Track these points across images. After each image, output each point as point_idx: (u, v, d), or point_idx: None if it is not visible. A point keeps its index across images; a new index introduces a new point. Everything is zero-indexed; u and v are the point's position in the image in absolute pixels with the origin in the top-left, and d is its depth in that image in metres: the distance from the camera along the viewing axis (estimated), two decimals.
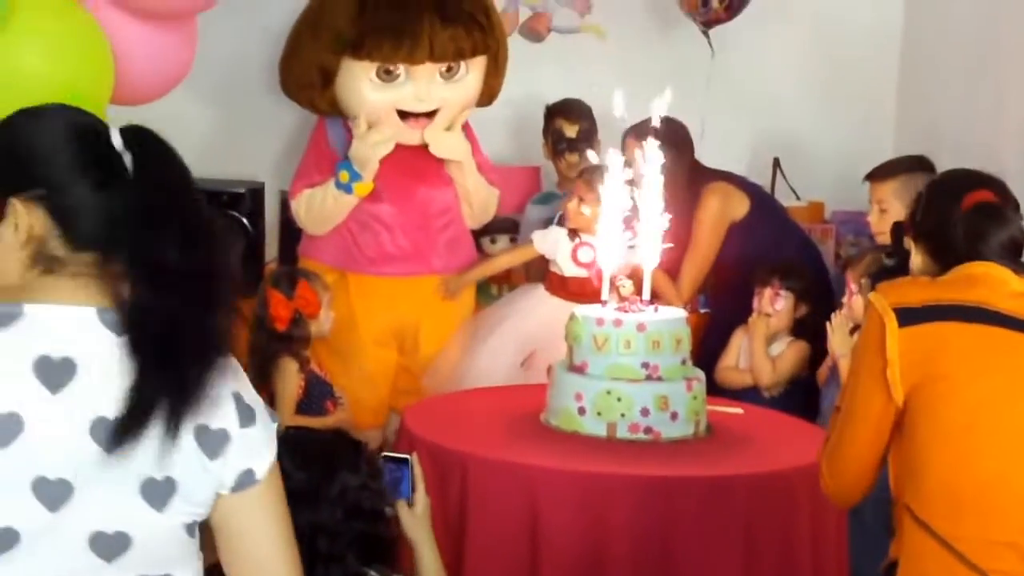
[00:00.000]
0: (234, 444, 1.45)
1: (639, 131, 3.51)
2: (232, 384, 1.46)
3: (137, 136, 1.44)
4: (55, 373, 1.37)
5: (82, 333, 1.40)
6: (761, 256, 3.92)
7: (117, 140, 1.43)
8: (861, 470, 2.08)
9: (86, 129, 1.44)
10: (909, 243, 2.17)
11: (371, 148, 3.80)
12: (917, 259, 2.14)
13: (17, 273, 1.42)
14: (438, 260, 3.91)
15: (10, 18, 2.28)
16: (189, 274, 1.40)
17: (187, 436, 1.41)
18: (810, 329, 3.77)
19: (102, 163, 1.42)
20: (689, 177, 3.95)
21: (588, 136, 4.20)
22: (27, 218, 1.41)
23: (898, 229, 2.26)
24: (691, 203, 3.94)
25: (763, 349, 3.77)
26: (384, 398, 3.93)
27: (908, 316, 2.01)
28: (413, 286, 3.89)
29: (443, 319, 3.95)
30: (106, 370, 1.39)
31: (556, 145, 4.25)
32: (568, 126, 4.26)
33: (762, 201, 4.11)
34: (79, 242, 1.41)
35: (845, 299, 3.54)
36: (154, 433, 1.38)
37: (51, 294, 1.41)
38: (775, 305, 3.77)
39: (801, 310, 3.81)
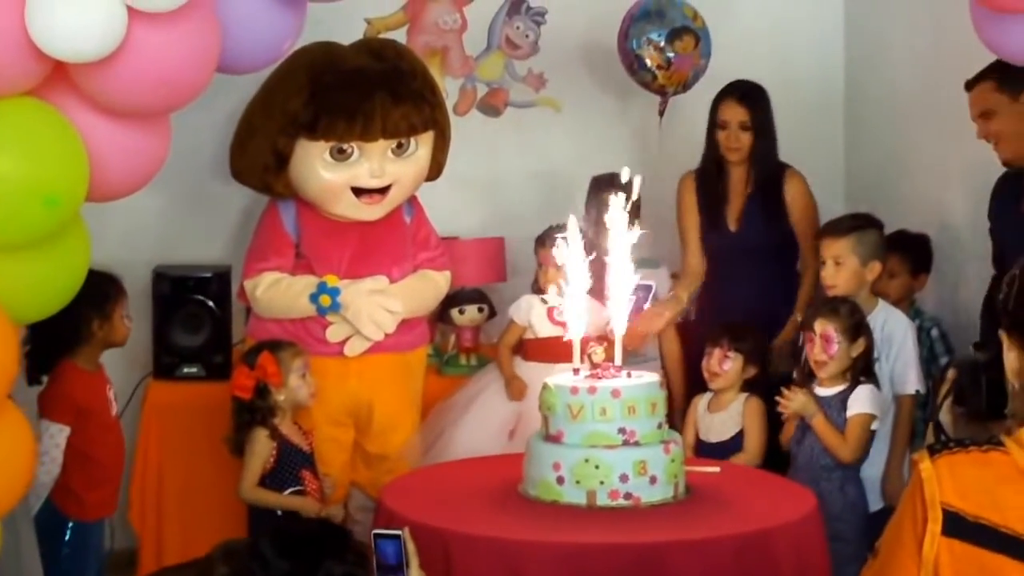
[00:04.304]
0: None
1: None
2: None
3: None
4: None
5: None
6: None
7: None
8: None
9: None
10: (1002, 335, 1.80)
11: (368, 322, 3.80)
12: (1012, 356, 1.79)
13: None
14: (390, 337, 3.89)
15: None
16: None
17: None
18: (760, 389, 3.82)
19: None
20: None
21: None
22: None
23: (988, 312, 1.99)
24: (775, 181, 4.15)
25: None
26: (343, 477, 3.92)
27: (957, 527, 1.67)
28: (365, 364, 3.88)
29: (397, 396, 3.95)
30: None
31: None
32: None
33: None
34: None
35: (806, 348, 3.61)
36: None
37: None
38: (723, 367, 3.82)
39: (749, 371, 3.85)
